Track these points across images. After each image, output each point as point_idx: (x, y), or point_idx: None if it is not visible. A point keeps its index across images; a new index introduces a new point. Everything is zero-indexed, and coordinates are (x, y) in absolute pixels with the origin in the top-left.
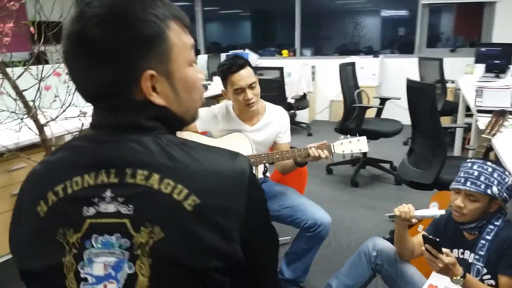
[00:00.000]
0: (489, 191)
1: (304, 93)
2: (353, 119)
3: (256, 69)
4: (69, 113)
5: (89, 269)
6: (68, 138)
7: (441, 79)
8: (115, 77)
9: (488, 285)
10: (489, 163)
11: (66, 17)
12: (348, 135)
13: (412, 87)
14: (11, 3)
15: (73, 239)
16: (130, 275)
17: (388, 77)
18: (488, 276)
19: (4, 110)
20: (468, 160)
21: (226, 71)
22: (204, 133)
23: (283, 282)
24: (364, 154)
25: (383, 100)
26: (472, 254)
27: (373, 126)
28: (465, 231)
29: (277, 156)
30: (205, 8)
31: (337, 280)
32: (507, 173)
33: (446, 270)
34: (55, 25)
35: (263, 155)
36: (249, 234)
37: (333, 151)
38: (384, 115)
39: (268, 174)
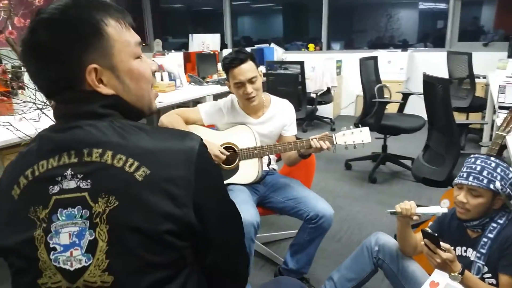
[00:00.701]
0: (491, 186)
1: (328, 88)
2: (372, 114)
3: (279, 63)
4: None
5: (56, 239)
6: None
7: (470, 74)
8: (60, 74)
9: (489, 283)
10: (492, 158)
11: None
12: (351, 126)
13: (427, 82)
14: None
15: (42, 215)
16: (91, 241)
17: (416, 72)
18: (489, 275)
19: (27, 101)
20: (472, 156)
21: (228, 65)
22: (211, 126)
23: (287, 272)
24: (384, 150)
25: (406, 95)
26: (474, 252)
27: (394, 122)
28: (469, 229)
29: (279, 147)
30: (234, 3)
31: (338, 273)
32: (511, 168)
33: (444, 266)
34: None
35: (266, 146)
36: (201, 201)
37: (335, 142)
38: (408, 110)
39: (275, 166)
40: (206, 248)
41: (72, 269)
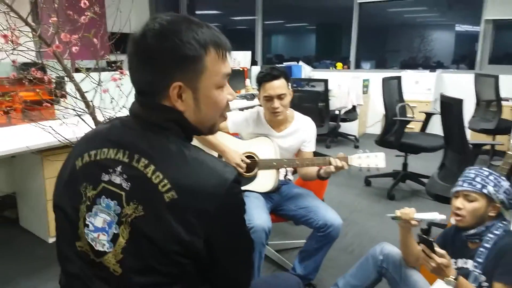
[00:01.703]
0: (484, 190)
1: (354, 106)
2: (393, 132)
3: (306, 80)
4: (122, 113)
5: (92, 219)
6: None
7: (497, 97)
8: (152, 79)
9: None
10: (485, 168)
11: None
12: (367, 150)
13: (444, 102)
14: (82, 17)
15: (89, 194)
16: (115, 234)
17: (445, 93)
18: (487, 284)
19: (68, 108)
20: (467, 168)
21: (261, 79)
22: (235, 134)
23: None
24: (404, 168)
25: (428, 115)
26: (471, 261)
27: (414, 140)
28: (469, 241)
29: (297, 162)
30: (267, 22)
31: (344, 280)
32: (503, 178)
33: (439, 270)
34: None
35: (285, 159)
36: (214, 234)
37: (350, 163)
38: (431, 130)
39: (291, 177)
40: (210, 267)
41: (96, 248)
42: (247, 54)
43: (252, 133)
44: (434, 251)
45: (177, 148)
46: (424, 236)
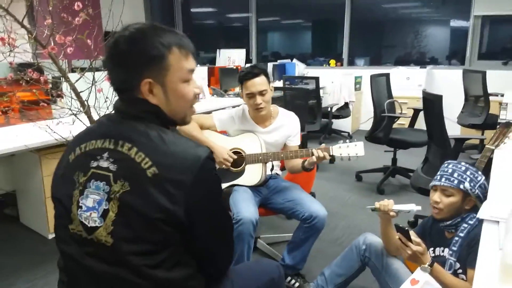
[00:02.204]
0: (461, 186)
1: (346, 103)
2: (381, 128)
3: (298, 78)
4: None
5: (85, 201)
6: None
7: (484, 92)
8: (125, 78)
9: (461, 279)
10: (463, 163)
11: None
12: (347, 140)
13: (425, 98)
14: (76, 19)
15: (81, 180)
16: (105, 210)
17: (435, 89)
18: (461, 271)
19: (64, 108)
20: (446, 162)
21: (242, 77)
22: (223, 132)
23: (284, 268)
24: (394, 163)
25: (416, 111)
26: (447, 249)
27: (403, 136)
28: (445, 230)
29: (281, 155)
30: (262, 19)
31: (329, 269)
32: (479, 172)
33: (415, 258)
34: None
35: (270, 153)
36: (192, 203)
37: (331, 154)
38: (420, 125)
39: (279, 172)
40: (192, 237)
41: (88, 225)
42: (242, 52)
43: (238, 129)
44: (410, 240)
45: (156, 133)
46: (400, 225)
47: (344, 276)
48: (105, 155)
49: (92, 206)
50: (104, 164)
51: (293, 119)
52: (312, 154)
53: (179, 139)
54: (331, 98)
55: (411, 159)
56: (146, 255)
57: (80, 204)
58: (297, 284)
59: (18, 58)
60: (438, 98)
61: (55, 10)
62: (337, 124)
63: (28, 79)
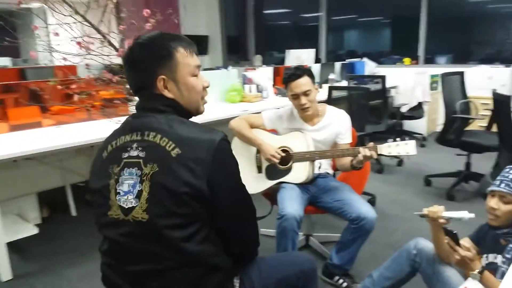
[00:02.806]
0: None
1: (420, 103)
2: (453, 130)
3: (368, 78)
4: None
5: (121, 187)
6: None
7: None
8: (142, 78)
9: None
10: None
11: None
12: (398, 138)
13: (495, 100)
14: (147, 25)
15: (116, 170)
16: (139, 191)
17: None
18: None
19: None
20: (508, 166)
21: (286, 79)
22: (273, 131)
23: (332, 267)
24: (467, 167)
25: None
26: (500, 256)
27: (476, 139)
28: (501, 238)
29: (328, 153)
30: (337, 18)
31: (378, 271)
32: None
33: (464, 264)
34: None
35: (317, 151)
36: (213, 177)
37: (379, 152)
38: None
39: (330, 171)
40: (216, 213)
41: (126, 207)
42: (311, 52)
43: (287, 128)
44: (458, 244)
45: (177, 121)
46: (448, 229)
47: (392, 280)
48: (134, 145)
49: (128, 190)
50: (134, 153)
51: (342, 117)
52: (359, 153)
53: (196, 126)
54: (402, 97)
55: (489, 164)
56: (178, 228)
57: (118, 191)
58: (345, 284)
59: (93, 61)
60: (507, 99)
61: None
62: (410, 125)
63: (104, 79)
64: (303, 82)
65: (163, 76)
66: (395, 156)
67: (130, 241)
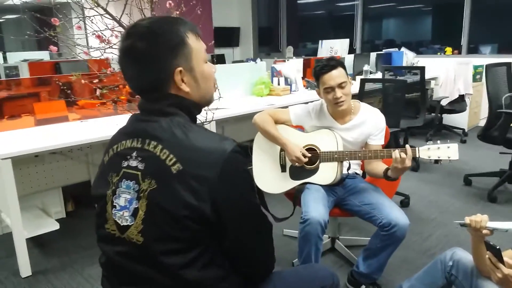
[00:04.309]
0: None
1: (461, 95)
2: (497, 126)
3: (406, 69)
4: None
5: (118, 200)
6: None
7: None
8: (154, 76)
9: None
10: None
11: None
12: (438, 141)
13: None
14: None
15: (114, 180)
16: (135, 208)
17: None
18: None
19: None
20: None
21: (318, 72)
22: (299, 127)
23: (358, 275)
24: (511, 167)
25: None
26: None
27: None
28: None
29: (359, 154)
30: (374, 6)
31: (409, 283)
32: None
33: (506, 282)
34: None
35: (346, 152)
36: (219, 199)
37: (417, 156)
38: None
39: (359, 171)
40: (222, 236)
41: (121, 224)
42: (345, 42)
43: (314, 125)
44: (502, 261)
45: (180, 129)
46: (491, 243)
47: None
48: (134, 154)
49: (124, 205)
50: (133, 163)
51: (376, 116)
52: (392, 155)
53: (203, 133)
54: (442, 90)
55: None
56: (176, 254)
57: (114, 204)
58: None
59: (114, 55)
60: None
61: (150, 9)
62: (450, 119)
63: None
64: (337, 74)
65: (180, 68)
66: (436, 161)
67: (125, 262)
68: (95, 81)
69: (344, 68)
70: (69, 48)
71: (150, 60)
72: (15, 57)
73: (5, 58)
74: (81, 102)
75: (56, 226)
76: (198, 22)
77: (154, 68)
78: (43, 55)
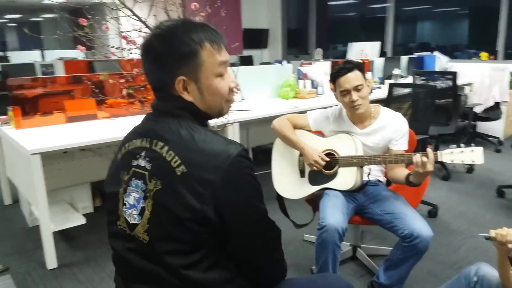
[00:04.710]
0: None
1: (497, 103)
2: None
3: (439, 74)
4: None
5: (128, 198)
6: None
7: None
8: (160, 76)
9: None
10: None
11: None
12: (462, 145)
13: None
14: (197, 18)
15: (125, 178)
16: (142, 207)
17: None
18: None
19: None
20: None
21: (335, 75)
22: (319, 132)
23: (377, 286)
24: None
25: None
26: None
27: None
28: None
29: (379, 159)
30: (407, 8)
31: None
32: None
33: None
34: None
35: (366, 156)
36: (222, 202)
37: (439, 160)
38: None
39: (382, 178)
40: (226, 239)
41: (130, 222)
42: (376, 44)
43: (333, 130)
44: None
45: (187, 131)
46: None
47: None
48: (143, 154)
49: (133, 204)
50: (142, 163)
51: (398, 120)
52: (413, 160)
53: (210, 136)
54: (476, 96)
55: None
56: (180, 254)
57: (125, 202)
58: None
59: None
60: None
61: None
62: (484, 127)
63: None
64: (354, 77)
65: (183, 77)
66: (469, 169)
67: (135, 259)
68: (122, 80)
69: (362, 71)
70: (97, 49)
71: (158, 61)
72: (52, 55)
73: (43, 56)
74: (109, 101)
75: (82, 221)
76: (222, 24)
77: (160, 70)
78: (79, 54)
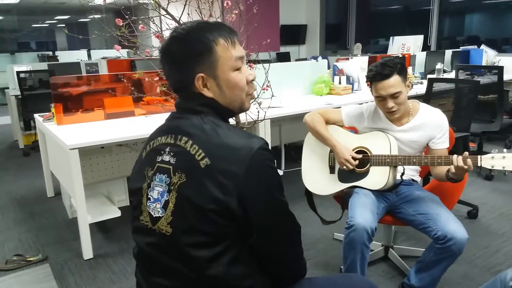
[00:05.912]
0: None
1: None
2: None
3: (486, 68)
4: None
5: (151, 193)
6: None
7: None
8: (180, 76)
9: None
10: None
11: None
12: (504, 150)
13: None
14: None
15: (149, 174)
16: (166, 200)
17: None
18: None
19: None
20: None
21: (371, 78)
22: (352, 128)
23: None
24: None
25: None
26: None
27: None
28: None
29: (414, 160)
30: (452, 0)
31: None
32: None
33: None
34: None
35: (400, 156)
36: (245, 194)
37: (479, 165)
38: None
39: (416, 178)
40: (248, 231)
41: (154, 216)
42: (418, 38)
43: (367, 127)
44: None
45: (210, 126)
46: None
47: None
48: (167, 149)
49: (157, 198)
50: (166, 158)
51: (438, 116)
52: (451, 163)
53: (232, 131)
54: None
55: None
56: (202, 247)
57: (149, 196)
58: None
59: None
60: None
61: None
62: None
63: None
64: (391, 83)
65: (201, 74)
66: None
67: (155, 253)
68: (156, 78)
69: (402, 73)
70: (134, 48)
71: (177, 63)
72: (98, 55)
73: (89, 55)
74: (146, 99)
75: (118, 213)
76: (254, 21)
77: (180, 71)
78: (122, 53)
